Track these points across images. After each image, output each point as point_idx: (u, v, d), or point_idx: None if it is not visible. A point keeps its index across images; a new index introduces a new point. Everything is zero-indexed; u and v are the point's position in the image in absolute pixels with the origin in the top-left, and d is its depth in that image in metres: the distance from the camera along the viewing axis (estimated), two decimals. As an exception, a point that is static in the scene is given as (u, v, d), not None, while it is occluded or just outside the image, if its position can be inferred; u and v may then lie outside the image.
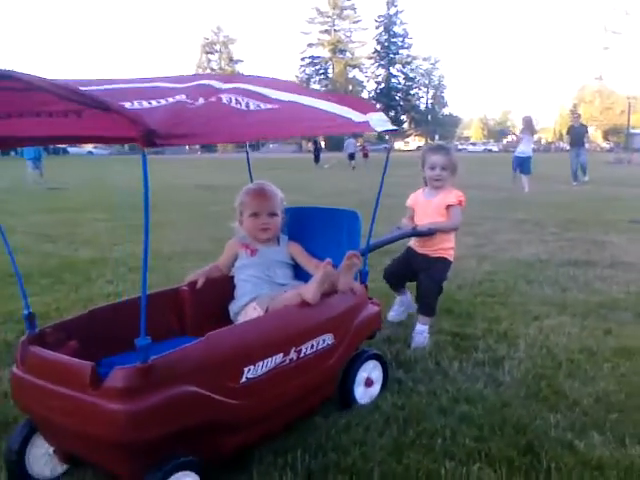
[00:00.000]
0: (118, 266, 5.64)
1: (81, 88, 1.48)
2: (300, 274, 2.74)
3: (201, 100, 1.70)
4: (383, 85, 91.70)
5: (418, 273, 3.51)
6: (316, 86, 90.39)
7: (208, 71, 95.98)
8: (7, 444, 2.04)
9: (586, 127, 17.93)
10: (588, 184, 15.67)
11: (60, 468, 2.09)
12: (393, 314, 3.85)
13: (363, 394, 2.66)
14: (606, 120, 79.95)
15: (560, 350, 3.29)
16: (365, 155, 31.88)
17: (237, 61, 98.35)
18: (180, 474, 1.78)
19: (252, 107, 1.82)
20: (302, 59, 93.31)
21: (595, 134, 77.86)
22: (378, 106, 2.57)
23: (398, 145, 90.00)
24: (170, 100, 1.63)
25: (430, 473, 2.08)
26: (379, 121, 2.38)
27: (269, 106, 1.89)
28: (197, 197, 12.14)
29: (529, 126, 14.70)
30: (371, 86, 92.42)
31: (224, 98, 1.78)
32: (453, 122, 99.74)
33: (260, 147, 76.41)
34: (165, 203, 11.31)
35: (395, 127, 2.54)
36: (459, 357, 3.19)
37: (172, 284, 4.71)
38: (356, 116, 2.27)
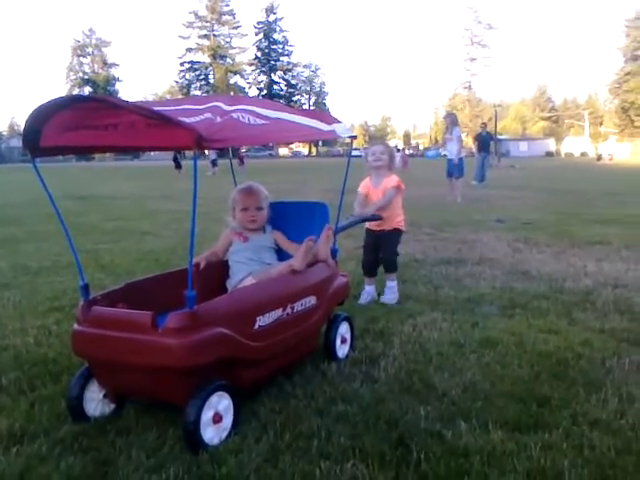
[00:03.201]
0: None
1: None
2: (282, 257, 3.27)
3: (219, 118, 2.25)
4: (265, 92, 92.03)
5: (380, 247, 4.51)
6: (197, 92, 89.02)
7: (80, 74, 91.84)
8: (69, 390, 2.55)
9: (491, 135, 18.76)
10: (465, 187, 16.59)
11: (108, 409, 2.59)
12: (362, 301, 4.47)
13: (340, 349, 3.28)
14: (475, 127, 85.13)
15: (431, 345, 3.43)
16: (241, 161, 31.73)
17: (112, 65, 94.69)
18: (217, 394, 2.34)
19: (252, 122, 2.42)
20: (181, 64, 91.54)
21: (466, 140, 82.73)
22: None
23: (283, 152, 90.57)
24: (201, 117, 2.19)
25: (305, 475, 2.08)
26: (343, 130, 3.09)
27: (262, 121, 2.49)
28: (67, 208, 11.45)
29: (456, 123, 13.89)
30: (253, 92, 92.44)
31: (234, 115, 2.36)
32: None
33: (141, 155, 74.05)
34: (32, 216, 10.63)
35: (355, 134, 3.40)
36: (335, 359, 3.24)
37: (40, 299, 4.47)
38: (324, 126, 2.95)
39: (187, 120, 2.09)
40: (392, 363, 3.15)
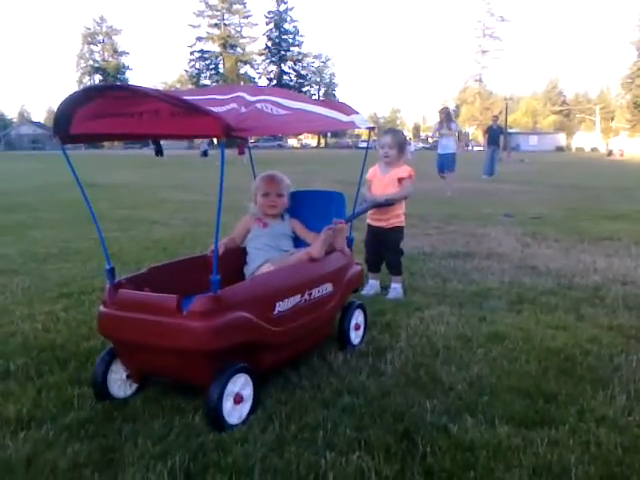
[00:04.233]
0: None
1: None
2: (298, 245, 3.33)
3: (243, 108, 2.29)
4: (275, 82, 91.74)
5: (383, 248, 4.47)
6: (207, 82, 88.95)
7: (90, 62, 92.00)
8: (93, 370, 2.61)
9: (502, 129, 18.69)
10: (467, 181, 16.50)
11: (130, 390, 2.67)
12: (365, 293, 4.43)
13: (355, 335, 3.35)
14: (486, 120, 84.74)
15: (438, 338, 3.42)
16: (241, 152, 31.53)
17: (122, 53, 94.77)
18: (239, 375, 2.41)
19: (275, 112, 2.47)
20: (191, 53, 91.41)
21: (476, 133, 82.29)
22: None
23: (292, 142, 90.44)
24: (227, 107, 2.24)
25: (310, 465, 2.08)
26: (361, 121, 3.14)
27: (284, 112, 2.53)
28: (77, 196, 11.44)
29: (450, 118, 13.51)
30: (263, 82, 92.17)
31: (258, 106, 2.40)
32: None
33: (150, 144, 74.07)
34: (42, 202, 10.68)
35: (372, 125, 3.36)
36: (344, 350, 3.25)
37: (49, 285, 4.48)
38: (343, 117, 3.00)
39: (215, 110, 2.14)
40: (399, 356, 3.14)
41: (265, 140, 74.98)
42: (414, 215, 8.88)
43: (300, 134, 67.26)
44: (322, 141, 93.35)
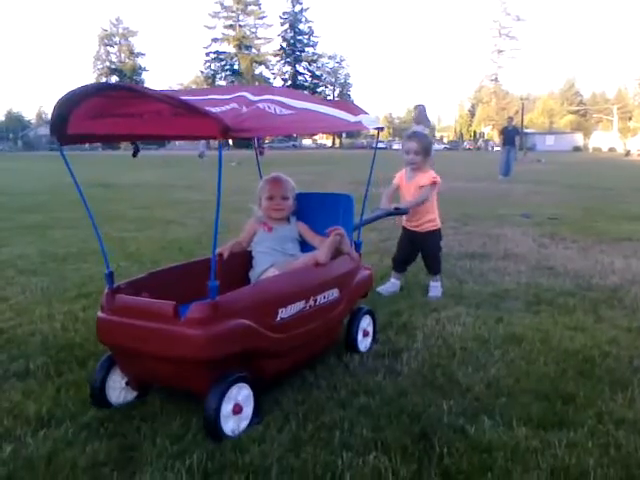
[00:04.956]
0: (5, 269, 5.30)
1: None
2: (305, 248, 3.26)
3: (244, 108, 2.25)
4: (290, 82, 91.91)
5: (420, 249, 4.51)
6: (222, 82, 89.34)
7: (107, 63, 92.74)
8: (92, 377, 2.57)
9: (517, 130, 18.57)
10: (483, 181, 16.41)
11: (130, 396, 2.62)
12: (383, 288, 4.47)
13: (362, 342, 3.27)
14: (502, 120, 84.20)
15: (455, 339, 3.41)
16: (261, 153, 31.75)
17: (138, 54, 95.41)
18: (238, 385, 2.34)
19: (278, 112, 2.41)
20: (207, 54, 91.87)
21: (492, 133, 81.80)
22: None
23: (306, 143, 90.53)
24: (227, 107, 2.20)
25: (327, 465, 2.09)
26: (369, 121, 3.04)
27: (288, 112, 2.47)
28: (93, 196, 11.57)
29: (422, 117, 11.99)
30: (278, 83, 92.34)
31: (260, 105, 2.36)
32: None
33: (166, 144, 74.57)
34: (58, 202, 10.77)
35: (382, 126, 3.27)
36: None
37: (68, 285, 4.52)
38: (351, 117, 2.93)
39: (213, 110, 2.07)
40: (415, 357, 3.14)
41: (280, 141, 75.22)
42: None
43: (308, 134, 67.42)
44: (337, 141, 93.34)
